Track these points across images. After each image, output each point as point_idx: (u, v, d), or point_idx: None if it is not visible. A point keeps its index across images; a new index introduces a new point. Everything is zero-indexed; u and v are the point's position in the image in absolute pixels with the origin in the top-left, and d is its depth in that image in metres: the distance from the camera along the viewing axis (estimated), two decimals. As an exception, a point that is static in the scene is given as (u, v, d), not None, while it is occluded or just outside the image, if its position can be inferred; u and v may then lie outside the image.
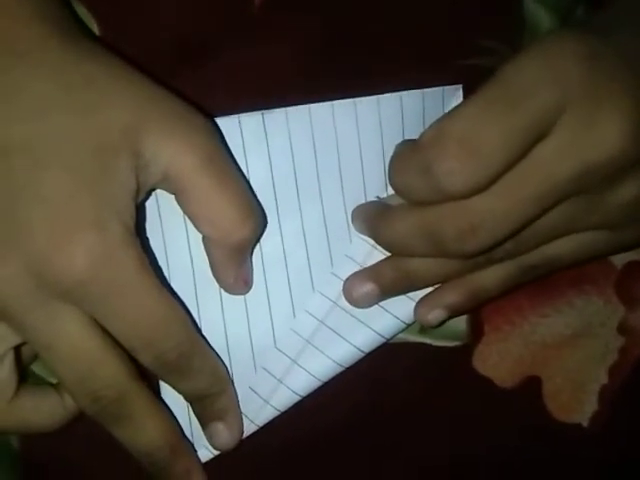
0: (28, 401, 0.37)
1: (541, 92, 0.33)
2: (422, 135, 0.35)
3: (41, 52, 0.34)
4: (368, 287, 0.39)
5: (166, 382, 0.37)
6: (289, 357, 0.40)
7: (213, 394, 0.38)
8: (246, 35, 0.39)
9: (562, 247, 0.38)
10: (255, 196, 0.38)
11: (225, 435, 0.39)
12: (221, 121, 0.39)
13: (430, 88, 0.40)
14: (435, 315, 0.39)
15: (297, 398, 0.40)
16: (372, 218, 0.39)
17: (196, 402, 0.38)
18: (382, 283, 0.39)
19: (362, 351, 0.40)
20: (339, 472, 0.42)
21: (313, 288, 0.40)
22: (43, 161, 0.33)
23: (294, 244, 0.40)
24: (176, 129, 0.34)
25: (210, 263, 0.38)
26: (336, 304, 0.40)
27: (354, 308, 0.40)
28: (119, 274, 0.33)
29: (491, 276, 0.39)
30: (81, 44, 0.35)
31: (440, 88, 0.40)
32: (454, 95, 0.41)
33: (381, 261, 0.39)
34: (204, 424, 0.39)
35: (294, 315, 0.40)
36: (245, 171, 0.39)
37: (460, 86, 0.41)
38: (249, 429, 0.40)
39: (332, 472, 0.42)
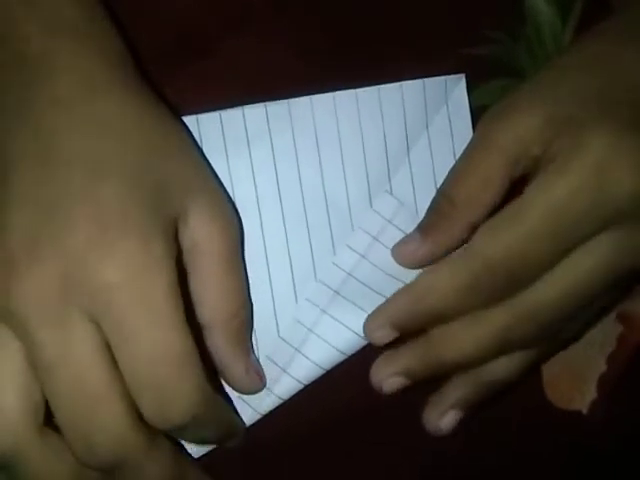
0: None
1: (590, 225, 0.35)
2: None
3: (122, 90, 0.35)
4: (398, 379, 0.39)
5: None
6: (292, 346, 0.40)
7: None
8: (247, 30, 0.39)
9: None
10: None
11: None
12: (225, 113, 0.39)
13: (431, 77, 0.40)
14: (448, 420, 0.40)
15: (300, 387, 0.40)
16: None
17: None
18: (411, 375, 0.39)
19: (365, 339, 0.40)
20: (335, 464, 0.42)
21: (315, 277, 0.40)
22: (103, 173, 0.33)
23: (296, 233, 0.40)
24: (217, 213, 0.35)
25: (219, 361, 0.37)
26: (337, 293, 0.40)
27: (356, 297, 0.40)
28: (150, 290, 0.32)
29: (499, 369, 0.39)
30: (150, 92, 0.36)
31: (442, 78, 0.41)
32: (457, 85, 0.41)
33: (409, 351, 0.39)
34: None
35: (297, 304, 0.40)
36: (249, 162, 0.39)
37: (463, 75, 0.41)
38: (252, 418, 0.40)
39: (329, 463, 0.42)
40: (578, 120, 0.35)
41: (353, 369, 0.40)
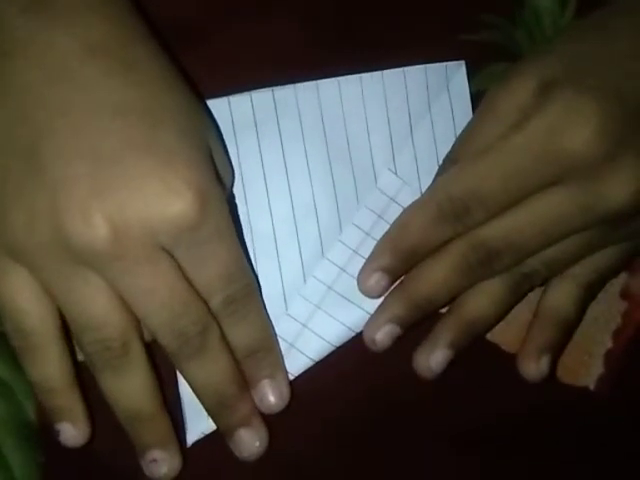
0: None
1: (539, 176, 0.38)
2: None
3: (155, 41, 0.37)
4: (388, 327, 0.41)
5: (226, 326, 0.38)
6: (300, 322, 0.41)
7: (263, 349, 0.39)
8: (247, 15, 0.41)
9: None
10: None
11: (274, 395, 0.40)
12: (233, 98, 0.41)
13: (433, 64, 0.42)
14: (437, 359, 0.41)
15: (310, 363, 0.41)
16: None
17: (249, 357, 0.39)
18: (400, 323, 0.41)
19: (370, 314, 0.42)
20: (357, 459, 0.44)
21: (322, 254, 0.42)
22: (158, 122, 0.35)
23: (304, 213, 0.41)
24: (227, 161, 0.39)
25: None
26: (344, 270, 0.42)
27: None
28: (220, 222, 0.36)
29: (478, 306, 0.41)
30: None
31: (443, 64, 0.42)
32: (457, 71, 0.42)
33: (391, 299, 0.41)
34: (253, 385, 0.40)
35: (304, 281, 0.42)
36: (257, 145, 0.41)
37: (462, 62, 0.42)
38: None
39: (349, 459, 0.43)
40: (552, 83, 0.38)
41: (365, 364, 0.42)
